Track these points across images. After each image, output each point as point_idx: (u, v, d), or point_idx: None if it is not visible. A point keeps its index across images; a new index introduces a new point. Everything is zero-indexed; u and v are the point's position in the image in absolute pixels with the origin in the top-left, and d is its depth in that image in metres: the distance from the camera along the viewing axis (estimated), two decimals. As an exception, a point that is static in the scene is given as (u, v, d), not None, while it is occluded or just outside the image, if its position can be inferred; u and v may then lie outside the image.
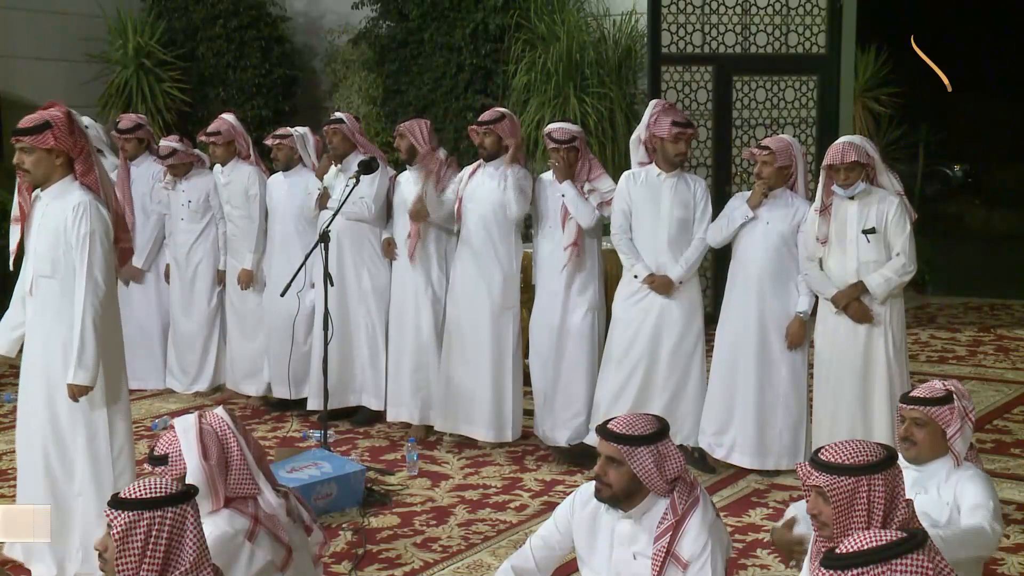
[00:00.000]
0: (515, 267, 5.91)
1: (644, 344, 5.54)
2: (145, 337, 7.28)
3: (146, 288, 7.31)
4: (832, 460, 2.68)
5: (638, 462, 3.10)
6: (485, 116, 5.89)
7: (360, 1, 9.87)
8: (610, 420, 3.23)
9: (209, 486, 2.99)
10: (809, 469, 2.71)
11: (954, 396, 3.43)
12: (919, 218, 5.36)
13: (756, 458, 5.45)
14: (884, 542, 2.16)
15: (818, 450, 2.75)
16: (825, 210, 5.12)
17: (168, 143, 7.01)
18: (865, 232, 5.03)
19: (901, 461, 3.33)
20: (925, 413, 3.42)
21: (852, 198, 5.03)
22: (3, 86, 9.28)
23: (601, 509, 3.26)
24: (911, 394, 3.52)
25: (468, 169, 5.97)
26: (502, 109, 6.00)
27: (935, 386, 3.49)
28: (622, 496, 3.16)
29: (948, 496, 3.36)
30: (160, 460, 3.06)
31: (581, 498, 3.35)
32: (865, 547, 2.16)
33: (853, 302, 5.07)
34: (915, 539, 2.18)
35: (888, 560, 2.13)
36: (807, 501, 2.76)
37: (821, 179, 5.14)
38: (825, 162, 5.06)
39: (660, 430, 3.16)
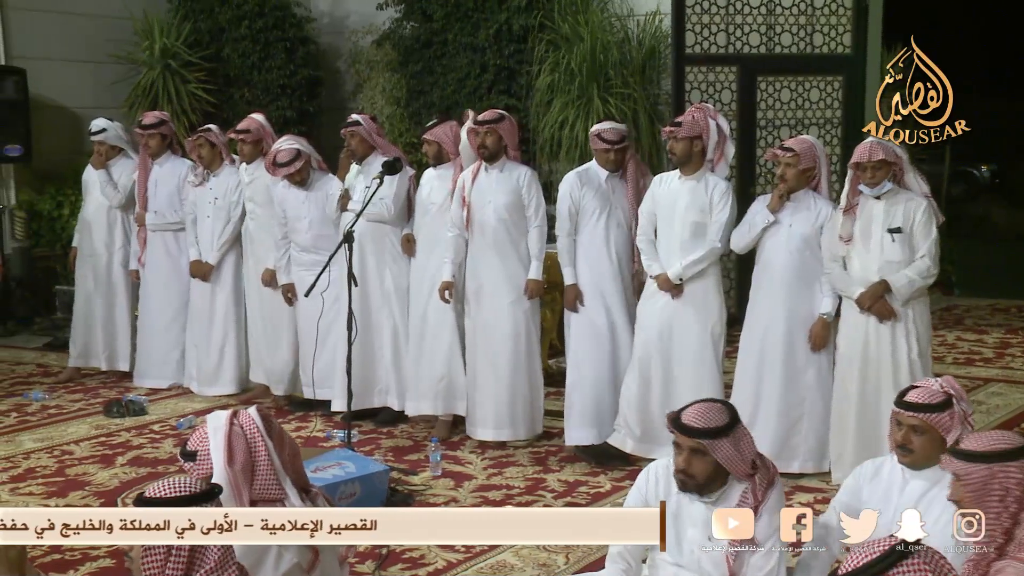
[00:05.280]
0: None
1: (657, 345, 5.50)
2: (168, 337, 7.33)
3: (167, 287, 7.31)
4: (970, 448, 2.73)
5: (721, 452, 3.19)
6: (486, 116, 5.88)
7: (384, 2, 9.89)
8: (682, 414, 3.25)
9: (233, 490, 3.00)
10: (948, 458, 2.76)
11: (953, 400, 3.26)
12: (945, 219, 5.32)
13: (781, 461, 5.39)
14: (878, 553, 2.22)
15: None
16: (850, 209, 5.09)
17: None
18: (891, 231, 5.00)
19: (904, 471, 3.31)
20: (924, 420, 3.24)
21: (879, 197, 5.00)
22: (32, 88, 9.35)
23: (672, 491, 3.32)
24: (907, 398, 3.29)
25: (467, 172, 5.93)
26: (500, 110, 6.02)
27: (932, 388, 3.29)
28: (705, 484, 3.25)
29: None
30: (190, 456, 3.10)
31: (652, 479, 3.40)
32: (862, 563, 2.22)
33: (877, 301, 5.05)
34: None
35: (884, 572, 2.20)
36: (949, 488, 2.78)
37: (848, 178, 5.11)
38: (852, 160, 5.03)
39: (733, 416, 3.24)
